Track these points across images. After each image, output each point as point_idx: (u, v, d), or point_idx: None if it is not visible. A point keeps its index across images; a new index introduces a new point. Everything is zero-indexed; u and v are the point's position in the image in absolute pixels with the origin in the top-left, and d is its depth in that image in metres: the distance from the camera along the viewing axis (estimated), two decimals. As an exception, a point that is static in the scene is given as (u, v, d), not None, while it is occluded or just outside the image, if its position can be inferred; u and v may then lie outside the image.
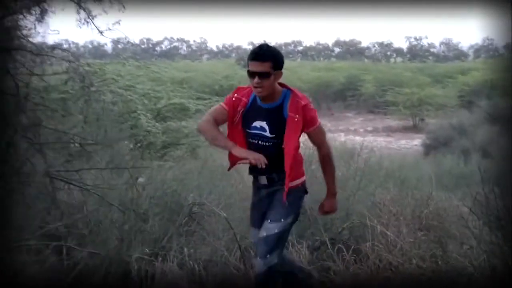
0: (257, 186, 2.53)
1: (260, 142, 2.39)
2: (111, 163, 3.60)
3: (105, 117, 4.71)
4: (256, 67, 2.26)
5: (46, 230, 3.02)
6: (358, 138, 21.07)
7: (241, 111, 2.40)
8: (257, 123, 2.39)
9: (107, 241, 3.06)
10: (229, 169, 2.63)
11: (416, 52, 61.44)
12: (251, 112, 2.40)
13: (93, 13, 4.22)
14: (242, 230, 3.04)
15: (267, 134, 2.38)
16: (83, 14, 4.27)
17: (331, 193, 2.59)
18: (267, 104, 2.37)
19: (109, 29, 4.32)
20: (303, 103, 2.35)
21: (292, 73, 34.01)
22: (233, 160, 2.51)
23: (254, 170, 2.43)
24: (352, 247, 2.98)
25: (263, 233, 2.39)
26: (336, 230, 3.21)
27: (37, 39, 5.68)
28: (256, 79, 2.26)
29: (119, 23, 4.35)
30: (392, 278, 2.73)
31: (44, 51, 5.03)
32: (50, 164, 2.77)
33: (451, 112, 22.79)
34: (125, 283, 2.82)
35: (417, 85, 28.26)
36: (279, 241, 2.42)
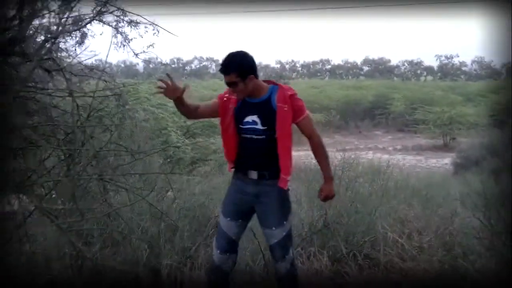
0: (242, 180, 2.59)
1: (254, 136, 2.53)
2: (143, 176, 3.80)
3: (138, 134, 4.96)
4: (225, 78, 2.47)
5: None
6: (386, 157, 20.86)
7: (232, 108, 2.55)
8: (249, 118, 2.53)
9: (138, 248, 3.25)
10: (230, 169, 2.71)
11: (447, 71, 60.45)
12: (242, 108, 2.55)
13: (129, 37, 4.53)
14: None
15: (259, 126, 2.51)
16: (120, 37, 4.58)
17: (328, 178, 2.66)
18: (255, 99, 2.54)
19: (144, 51, 4.61)
20: (289, 93, 2.51)
21: (320, 92, 34.11)
22: (230, 158, 2.63)
23: (244, 164, 2.56)
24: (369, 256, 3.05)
25: (273, 240, 2.52)
26: (357, 243, 3.29)
27: (75, 60, 6.06)
28: (229, 88, 2.50)
29: (153, 46, 4.63)
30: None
31: (83, 72, 5.39)
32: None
33: (482, 131, 22.29)
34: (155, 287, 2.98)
35: (448, 104, 27.80)
36: (289, 240, 2.57)
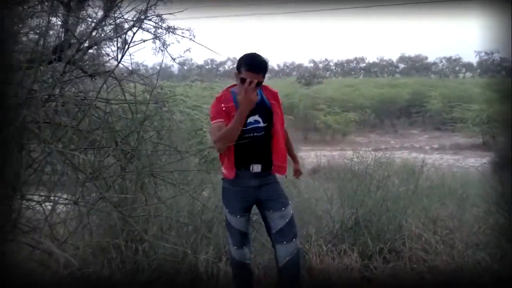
0: (243, 177, 2.73)
1: (255, 134, 2.70)
2: (181, 174, 3.98)
3: (176, 134, 5.17)
4: (254, 77, 2.56)
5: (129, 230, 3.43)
6: (422, 156, 20.47)
7: (234, 115, 2.63)
8: (251, 118, 2.69)
9: (177, 243, 3.43)
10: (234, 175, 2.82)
11: (487, 67, 58.40)
12: None
13: (167, 42, 4.74)
14: (299, 237, 3.28)
15: (261, 124, 2.71)
16: (158, 43, 4.81)
17: (296, 160, 3.10)
18: None
19: (181, 56, 4.83)
20: (275, 91, 2.77)
21: (354, 90, 33.69)
22: (232, 164, 2.74)
23: (246, 161, 2.71)
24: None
25: (284, 220, 2.69)
26: (387, 241, 3.35)
27: (115, 64, 6.33)
28: (254, 86, 2.56)
29: (190, 51, 4.83)
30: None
31: (123, 76, 5.65)
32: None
33: (524, 129, 21.43)
34: (194, 281, 3.15)
35: (487, 101, 26.94)
36: (295, 223, 2.77)
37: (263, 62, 2.62)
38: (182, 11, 4.18)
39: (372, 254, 3.22)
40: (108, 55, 5.09)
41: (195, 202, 3.76)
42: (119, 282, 3.31)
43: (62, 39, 4.54)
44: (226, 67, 64.55)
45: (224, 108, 2.68)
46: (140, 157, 2.46)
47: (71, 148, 1.91)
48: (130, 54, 5.58)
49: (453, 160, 21.09)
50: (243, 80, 2.56)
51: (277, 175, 2.81)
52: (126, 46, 5.12)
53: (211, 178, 5.08)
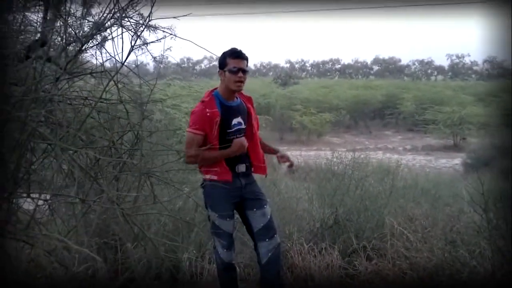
0: (230, 178, 2.74)
1: (238, 135, 2.76)
2: (176, 174, 3.97)
3: (156, 134, 5.14)
4: (240, 64, 2.68)
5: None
6: (396, 157, 20.85)
7: (218, 120, 2.68)
8: (235, 121, 2.78)
9: (158, 242, 3.43)
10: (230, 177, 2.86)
11: (458, 70, 59.99)
12: (226, 115, 2.74)
13: (147, 40, 4.70)
14: (280, 236, 3.32)
15: (243, 126, 2.80)
16: (139, 41, 4.76)
17: (276, 150, 3.04)
18: (234, 102, 2.80)
19: (162, 55, 4.79)
20: (249, 96, 2.87)
21: (330, 91, 34.06)
22: (218, 172, 2.79)
23: (233, 160, 2.75)
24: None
25: (266, 217, 2.76)
26: (367, 238, 3.43)
27: (92, 62, 6.24)
28: (240, 74, 2.68)
29: (170, 50, 4.80)
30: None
31: (103, 74, 5.58)
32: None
33: (493, 132, 22.13)
34: (176, 279, 3.15)
35: (458, 104, 27.68)
36: (274, 220, 2.85)
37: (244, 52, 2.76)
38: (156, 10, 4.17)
39: (352, 251, 3.30)
40: (88, 52, 5.02)
41: (176, 201, 3.76)
42: (100, 282, 3.28)
43: (39, 36, 4.46)
44: (203, 65, 64.31)
45: (209, 114, 2.69)
46: (136, 157, 2.46)
47: (68, 147, 1.90)
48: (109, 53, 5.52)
49: (426, 161, 21.59)
50: (232, 71, 2.67)
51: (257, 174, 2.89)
52: (104, 43, 5.08)
53: (191, 178, 5.08)
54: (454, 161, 20.95)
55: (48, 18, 4.51)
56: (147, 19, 4.60)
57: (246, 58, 2.74)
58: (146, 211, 2.67)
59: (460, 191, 7.32)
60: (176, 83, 8.15)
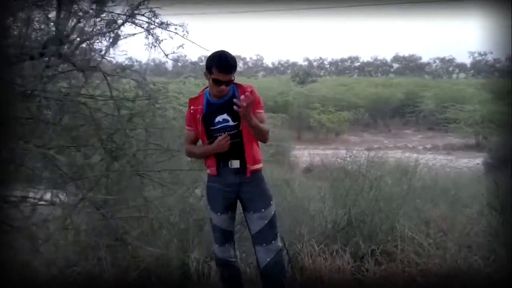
0: (225, 173, 2.71)
1: (227, 132, 2.68)
2: (172, 172, 3.94)
3: (167, 132, 5.11)
4: (225, 77, 2.60)
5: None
6: (415, 156, 20.50)
7: (200, 118, 2.70)
8: (219, 117, 2.69)
9: (168, 242, 3.40)
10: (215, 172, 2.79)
11: (481, 68, 58.69)
12: (210, 112, 2.70)
13: (160, 38, 4.68)
14: (291, 237, 3.25)
15: (231, 123, 2.68)
16: (151, 38, 4.74)
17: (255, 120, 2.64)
18: (221, 100, 2.69)
19: (174, 52, 4.75)
20: (249, 89, 2.65)
21: (348, 89, 33.73)
22: (211, 162, 2.75)
23: (226, 155, 2.68)
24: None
25: (263, 221, 2.65)
26: (380, 242, 3.33)
27: (108, 60, 6.27)
28: (223, 86, 2.60)
29: (183, 47, 4.77)
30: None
31: (115, 72, 5.58)
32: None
33: (514, 130, 21.55)
34: (184, 280, 3.11)
35: (480, 102, 27.06)
36: (276, 221, 2.72)
37: (233, 60, 2.64)
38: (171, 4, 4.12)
39: (364, 255, 3.20)
40: (101, 50, 5.02)
41: (186, 201, 3.72)
42: (108, 282, 3.27)
43: (53, 33, 4.47)
44: (221, 64, 64.19)
45: (192, 111, 2.74)
46: (125, 156, 2.43)
47: (51, 146, 1.86)
48: (123, 51, 5.52)
49: (446, 161, 21.19)
50: (215, 81, 2.60)
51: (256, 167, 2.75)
52: (117, 41, 5.08)
53: (203, 176, 5.02)
54: (476, 161, 20.49)
55: (61, 16, 4.52)
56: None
57: (231, 72, 2.62)
58: (138, 211, 2.63)
59: (479, 192, 7.13)
60: (191, 80, 8.14)
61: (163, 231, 3.45)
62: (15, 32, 4.58)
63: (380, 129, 29.97)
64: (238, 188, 2.71)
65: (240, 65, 65.70)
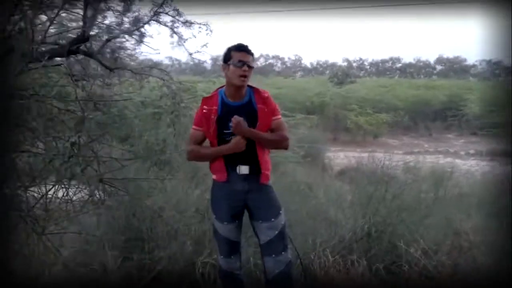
0: (233, 179, 2.55)
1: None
2: (191, 172, 3.90)
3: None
4: (246, 57, 2.48)
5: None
6: (458, 161, 19.72)
7: (214, 119, 2.53)
8: None
9: (183, 245, 3.34)
10: (224, 177, 2.62)
11: (530, 70, 55.79)
12: (225, 114, 2.53)
13: (184, 37, 4.65)
14: (305, 246, 3.11)
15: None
16: (175, 37, 4.72)
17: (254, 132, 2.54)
18: (238, 102, 2.55)
19: (198, 51, 4.73)
20: (266, 95, 2.55)
21: (388, 91, 32.90)
22: (219, 167, 2.58)
23: (235, 160, 2.53)
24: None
25: (273, 231, 2.49)
26: (399, 254, 3.13)
27: (139, 58, 6.33)
28: (245, 67, 2.46)
29: (207, 46, 4.72)
30: None
31: (143, 70, 5.61)
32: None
33: None
34: (199, 284, 3.05)
35: (529, 106, 25.66)
36: (286, 232, 2.55)
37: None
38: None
39: (380, 268, 3.01)
40: (128, 48, 5.05)
41: (202, 203, 3.65)
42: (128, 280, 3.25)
43: (80, 31, 4.52)
44: (259, 63, 64.45)
45: (205, 111, 2.56)
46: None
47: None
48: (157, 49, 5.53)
49: (489, 167, 20.23)
50: (237, 63, 2.48)
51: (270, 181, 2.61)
52: (143, 39, 5.07)
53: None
54: (522, 168, 19.44)
55: (88, 15, 4.56)
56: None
57: (252, 54, 2.53)
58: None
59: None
60: (221, 80, 8.10)
61: (178, 232, 3.40)
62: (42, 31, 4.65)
63: (421, 133, 29.07)
64: (245, 196, 2.56)
65: (278, 65, 65.64)
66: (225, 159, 2.56)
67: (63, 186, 2.55)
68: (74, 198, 2.76)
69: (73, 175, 2.26)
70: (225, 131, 2.54)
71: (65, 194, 2.60)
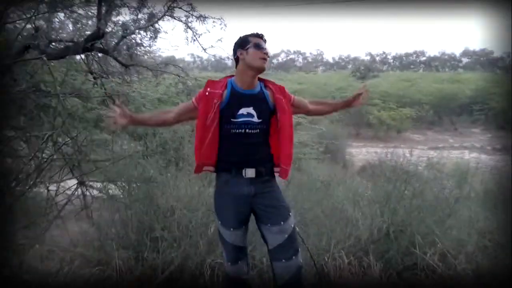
0: (234, 183, 2.36)
1: (247, 130, 2.33)
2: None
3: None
4: (264, 44, 2.37)
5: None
6: (484, 157, 19.21)
7: (217, 104, 2.31)
8: (243, 110, 2.33)
9: (196, 244, 3.28)
10: (195, 172, 2.46)
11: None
12: (234, 101, 2.34)
13: (199, 32, 4.61)
14: (319, 247, 3.01)
15: (255, 119, 2.34)
16: (190, 33, 4.68)
17: (345, 102, 2.71)
18: (249, 90, 2.37)
19: (212, 46, 4.69)
20: (281, 85, 2.45)
21: (412, 85, 32.27)
22: (209, 159, 2.37)
23: (236, 163, 2.34)
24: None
25: (283, 235, 2.32)
26: (420, 255, 2.99)
27: (158, 55, 6.32)
28: (266, 50, 2.35)
29: (221, 41, 4.66)
30: None
31: (158, 67, 5.62)
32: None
33: None
34: (213, 284, 2.99)
35: (560, 99, 24.77)
36: (296, 237, 2.40)
37: None
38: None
39: (398, 271, 2.89)
40: (143, 44, 5.04)
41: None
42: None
43: (95, 28, 4.52)
44: (280, 59, 64.13)
45: (208, 93, 2.35)
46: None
47: None
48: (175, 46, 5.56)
49: (517, 163, 19.65)
50: (257, 45, 2.35)
51: (277, 180, 2.44)
52: (157, 34, 5.02)
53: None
54: (552, 164, 18.79)
55: (103, 11, 4.55)
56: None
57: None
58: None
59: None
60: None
61: (190, 231, 3.34)
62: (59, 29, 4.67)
63: (446, 127, 28.47)
64: (251, 200, 2.37)
65: (299, 60, 65.23)
66: (230, 161, 2.36)
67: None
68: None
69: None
70: (232, 120, 2.33)
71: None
